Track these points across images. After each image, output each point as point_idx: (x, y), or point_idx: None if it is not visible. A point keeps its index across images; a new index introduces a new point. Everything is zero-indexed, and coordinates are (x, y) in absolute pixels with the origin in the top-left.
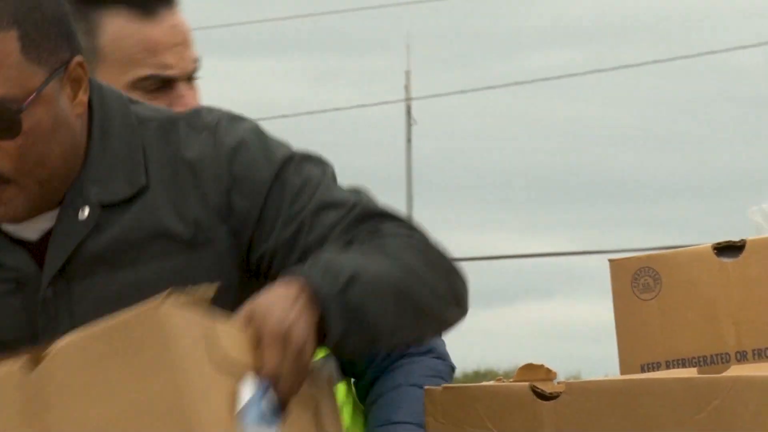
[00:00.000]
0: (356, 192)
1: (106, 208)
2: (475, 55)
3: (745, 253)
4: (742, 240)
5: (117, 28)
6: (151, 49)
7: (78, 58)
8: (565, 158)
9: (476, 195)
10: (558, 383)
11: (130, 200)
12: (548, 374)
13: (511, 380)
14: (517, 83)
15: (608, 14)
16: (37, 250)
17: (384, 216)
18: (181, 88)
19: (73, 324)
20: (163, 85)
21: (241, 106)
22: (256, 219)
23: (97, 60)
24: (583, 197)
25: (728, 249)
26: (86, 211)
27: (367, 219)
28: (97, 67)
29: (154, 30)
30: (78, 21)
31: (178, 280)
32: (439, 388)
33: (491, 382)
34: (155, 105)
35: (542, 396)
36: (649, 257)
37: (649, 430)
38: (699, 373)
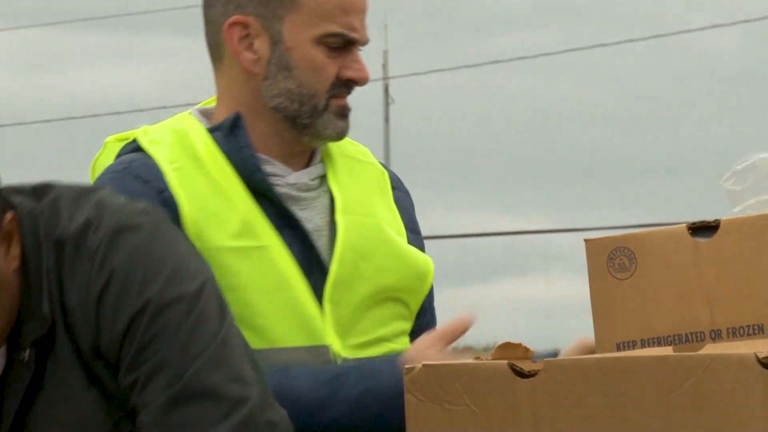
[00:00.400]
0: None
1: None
2: (452, 35)
3: (719, 233)
4: (717, 220)
5: None
6: (345, 9)
7: (9, 215)
8: (539, 137)
9: (453, 174)
10: (541, 362)
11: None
12: (526, 353)
13: (489, 358)
14: (493, 62)
15: None
16: None
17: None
18: (357, 53)
19: None
20: (344, 45)
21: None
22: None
23: (291, 5)
24: (557, 175)
25: (703, 229)
26: (26, 353)
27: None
28: (288, 13)
29: None
30: None
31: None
32: (419, 365)
33: (470, 360)
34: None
35: (520, 373)
36: (624, 237)
37: (625, 408)
38: (674, 351)
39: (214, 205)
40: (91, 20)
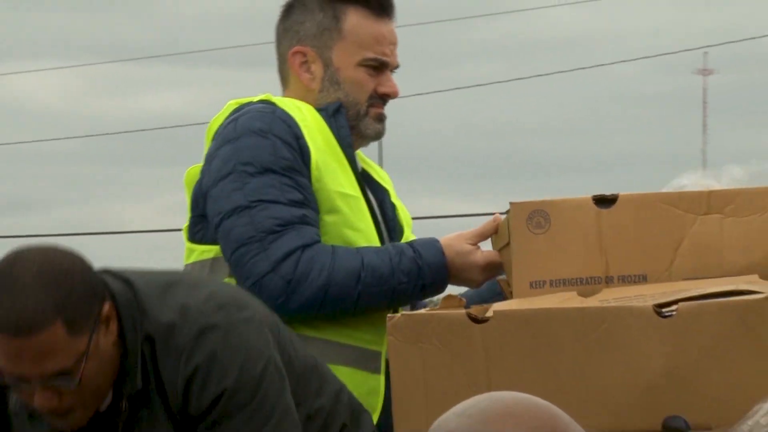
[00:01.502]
0: None
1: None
2: (425, 65)
3: (617, 204)
4: (615, 194)
5: (357, 20)
6: (378, 40)
7: (107, 305)
8: (497, 144)
9: (433, 169)
10: (490, 310)
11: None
12: (459, 302)
13: (438, 308)
14: (458, 88)
15: (525, 33)
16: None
17: None
18: (389, 73)
19: None
20: (379, 67)
21: None
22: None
23: (338, 38)
24: (511, 173)
25: (604, 201)
26: (124, 403)
27: None
28: (336, 42)
29: (381, 28)
30: (327, 8)
31: None
32: (398, 314)
33: (436, 310)
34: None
35: (475, 320)
36: (542, 202)
37: (554, 346)
38: (578, 292)
39: (329, 160)
40: (155, 57)
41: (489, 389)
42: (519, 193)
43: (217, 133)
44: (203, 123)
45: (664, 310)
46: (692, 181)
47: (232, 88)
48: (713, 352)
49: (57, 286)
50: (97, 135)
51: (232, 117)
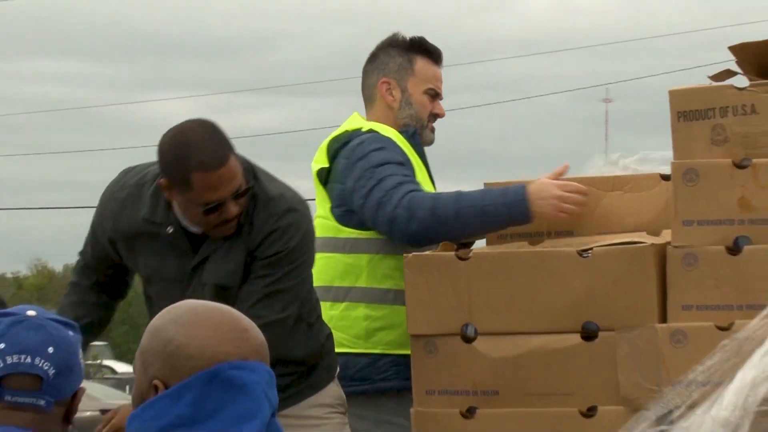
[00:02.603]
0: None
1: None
2: None
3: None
4: None
5: (423, 64)
6: (436, 78)
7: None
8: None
9: None
10: (471, 252)
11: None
12: (452, 247)
13: (437, 250)
14: None
15: (483, 76)
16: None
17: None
18: (439, 101)
19: (200, 280)
20: (435, 95)
21: None
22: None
23: (411, 74)
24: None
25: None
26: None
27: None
28: (410, 77)
29: (437, 71)
30: (404, 55)
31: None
32: (411, 255)
33: (436, 251)
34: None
35: (460, 258)
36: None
37: (512, 276)
38: (528, 242)
39: (420, 172)
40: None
41: (470, 304)
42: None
43: (345, 151)
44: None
45: (584, 253)
46: (596, 168)
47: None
48: (616, 280)
49: (218, 133)
50: None
51: (358, 140)
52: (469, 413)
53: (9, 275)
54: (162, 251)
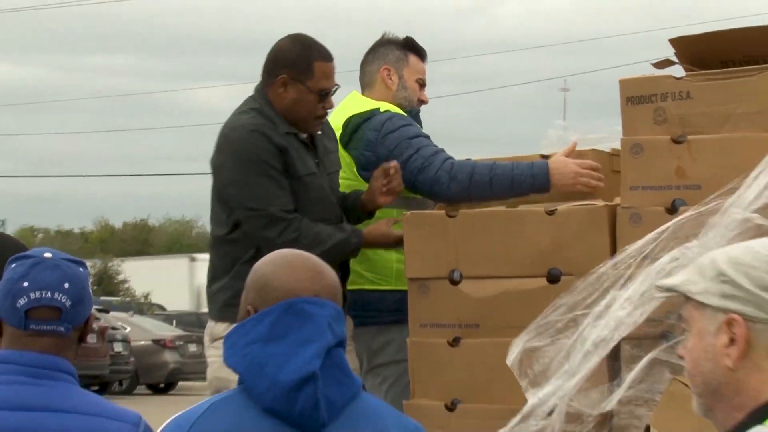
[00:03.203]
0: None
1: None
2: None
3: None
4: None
5: (414, 59)
6: (422, 71)
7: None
8: None
9: None
10: (458, 211)
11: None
12: (443, 208)
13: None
14: None
15: (463, 71)
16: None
17: None
18: (425, 89)
19: (326, 170)
20: (422, 84)
21: None
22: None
23: (406, 65)
24: None
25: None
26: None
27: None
28: (405, 67)
29: (423, 65)
30: (400, 49)
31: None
32: (409, 213)
33: (432, 210)
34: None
35: (449, 216)
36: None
37: (491, 231)
38: (505, 205)
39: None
40: None
41: (456, 253)
42: None
43: (372, 125)
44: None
45: (551, 211)
46: (557, 134)
47: None
48: (576, 234)
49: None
50: None
51: (385, 116)
52: (454, 342)
53: (77, 230)
54: (301, 153)
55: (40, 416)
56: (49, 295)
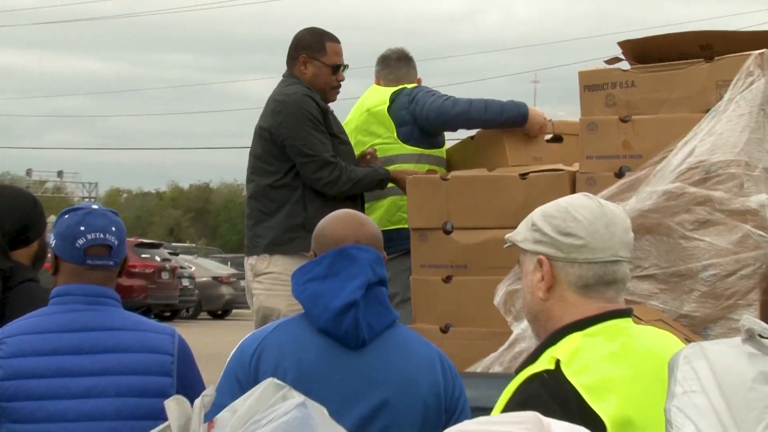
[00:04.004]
0: None
1: None
2: None
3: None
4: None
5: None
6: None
7: None
8: None
9: None
10: (449, 175)
11: None
12: (436, 172)
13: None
14: None
15: (449, 68)
16: None
17: None
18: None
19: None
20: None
21: None
22: None
23: (322, 53)
24: None
25: None
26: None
27: None
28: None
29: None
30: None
31: None
32: (411, 177)
33: (429, 174)
34: None
35: (443, 179)
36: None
37: (475, 192)
38: (487, 169)
39: None
40: None
41: (448, 209)
42: None
43: (403, 95)
44: None
45: (523, 176)
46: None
47: None
48: (544, 191)
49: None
50: None
51: (415, 90)
52: (447, 279)
53: (153, 191)
54: (332, 116)
55: (98, 335)
56: (102, 236)
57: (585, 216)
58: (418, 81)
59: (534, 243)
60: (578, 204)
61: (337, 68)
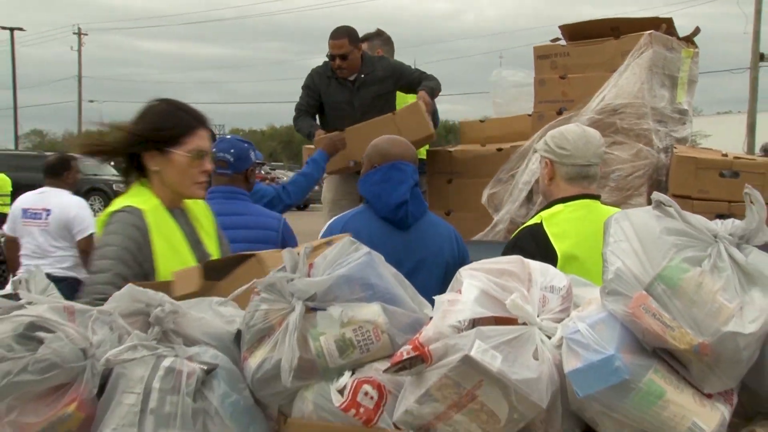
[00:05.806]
0: None
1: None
2: None
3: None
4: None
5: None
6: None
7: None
8: None
9: None
10: (453, 149)
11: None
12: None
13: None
14: None
15: (438, 54)
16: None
17: None
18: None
19: (358, 102)
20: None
21: None
22: None
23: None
24: None
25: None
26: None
27: None
28: (387, 48)
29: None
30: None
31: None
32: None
33: (437, 147)
34: None
35: (448, 152)
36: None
37: (469, 167)
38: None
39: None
40: None
41: (452, 178)
42: None
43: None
44: None
45: (499, 149)
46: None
47: None
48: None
49: (349, 29)
50: None
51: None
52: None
53: (257, 129)
54: (331, 84)
55: (235, 218)
56: (221, 154)
57: (572, 137)
58: (379, 52)
59: (544, 151)
60: (570, 129)
61: (333, 57)
